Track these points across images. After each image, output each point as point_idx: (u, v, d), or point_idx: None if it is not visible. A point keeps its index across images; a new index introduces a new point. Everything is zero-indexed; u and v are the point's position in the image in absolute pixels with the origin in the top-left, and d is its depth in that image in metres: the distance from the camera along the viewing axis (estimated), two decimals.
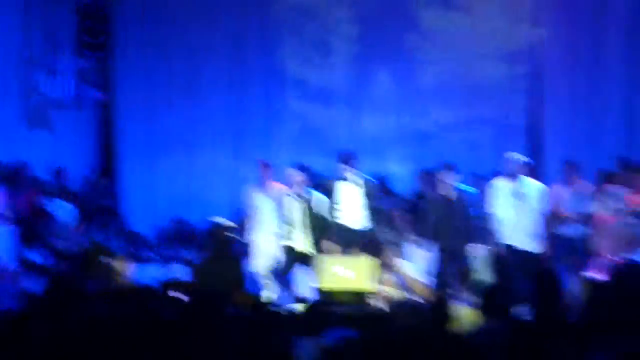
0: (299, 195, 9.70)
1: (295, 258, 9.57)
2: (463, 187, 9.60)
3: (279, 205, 9.86)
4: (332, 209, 9.50)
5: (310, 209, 9.61)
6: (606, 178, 11.04)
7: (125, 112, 13.25)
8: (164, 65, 13.21)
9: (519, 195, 9.50)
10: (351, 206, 9.42)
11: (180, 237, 11.79)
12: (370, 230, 9.36)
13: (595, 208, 10.28)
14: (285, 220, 9.69)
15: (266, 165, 10.89)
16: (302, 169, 11.74)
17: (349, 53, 13.15)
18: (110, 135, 13.31)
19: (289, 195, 9.72)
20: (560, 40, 12.59)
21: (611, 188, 9.59)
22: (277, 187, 10.19)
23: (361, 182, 9.48)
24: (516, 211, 9.44)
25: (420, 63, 12.98)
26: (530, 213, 9.42)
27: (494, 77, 12.79)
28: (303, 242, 9.66)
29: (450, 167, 9.58)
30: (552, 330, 4.95)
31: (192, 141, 13.12)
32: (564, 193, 11.06)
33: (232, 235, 8.01)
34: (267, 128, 13.15)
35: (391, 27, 13.00)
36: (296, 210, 9.63)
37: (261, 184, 10.50)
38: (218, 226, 7.99)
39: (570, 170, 11.08)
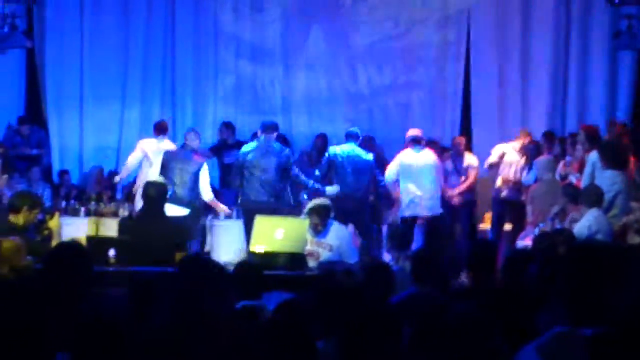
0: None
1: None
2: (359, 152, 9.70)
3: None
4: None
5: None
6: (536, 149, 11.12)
7: (54, 59, 12.92)
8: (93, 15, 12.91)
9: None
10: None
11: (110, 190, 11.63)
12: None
13: (528, 177, 10.49)
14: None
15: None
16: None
17: (282, 9, 13.04)
18: (37, 83, 12.96)
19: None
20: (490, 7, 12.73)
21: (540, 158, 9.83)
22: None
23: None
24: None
25: (354, 24, 12.96)
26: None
27: (427, 41, 12.86)
28: None
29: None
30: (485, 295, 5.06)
31: (122, 93, 12.90)
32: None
33: (165, 192, 7.93)
34: (198, 83, 13.00)
35: None
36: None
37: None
38: (151, 183, 7.94)
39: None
